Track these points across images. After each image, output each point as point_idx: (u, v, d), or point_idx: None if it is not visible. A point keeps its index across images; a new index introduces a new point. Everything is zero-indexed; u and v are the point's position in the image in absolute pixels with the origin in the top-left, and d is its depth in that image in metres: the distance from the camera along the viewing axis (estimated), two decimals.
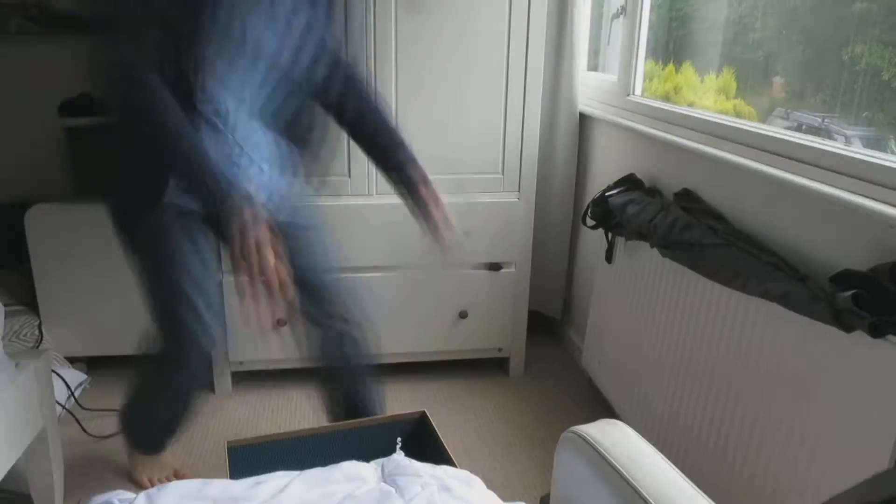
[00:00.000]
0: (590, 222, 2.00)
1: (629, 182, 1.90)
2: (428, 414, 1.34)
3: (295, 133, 1.44)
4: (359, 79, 1.47)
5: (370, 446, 1.31)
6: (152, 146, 1.23)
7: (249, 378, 2.24)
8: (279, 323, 1.72)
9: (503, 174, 2.13)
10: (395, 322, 2.14)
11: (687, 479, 0.87)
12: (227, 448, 1.20)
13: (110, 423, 1.99)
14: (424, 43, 1.98)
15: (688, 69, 1.99)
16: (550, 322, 2.66)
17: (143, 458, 1.73)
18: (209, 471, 1.81)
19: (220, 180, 1.16)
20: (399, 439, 1.20)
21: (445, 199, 1.41)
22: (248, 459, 1.23)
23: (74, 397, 2.05)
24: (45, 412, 1.54)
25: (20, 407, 1.44)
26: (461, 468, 1.10)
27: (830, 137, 1.42)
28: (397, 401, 2.10)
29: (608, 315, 2.00)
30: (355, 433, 1.30)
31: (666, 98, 2.06)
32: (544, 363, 2.42)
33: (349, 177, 2.06)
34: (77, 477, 1.75)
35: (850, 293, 1.05)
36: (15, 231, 2.24)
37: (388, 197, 1.77)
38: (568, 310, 2.56)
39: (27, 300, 2.23)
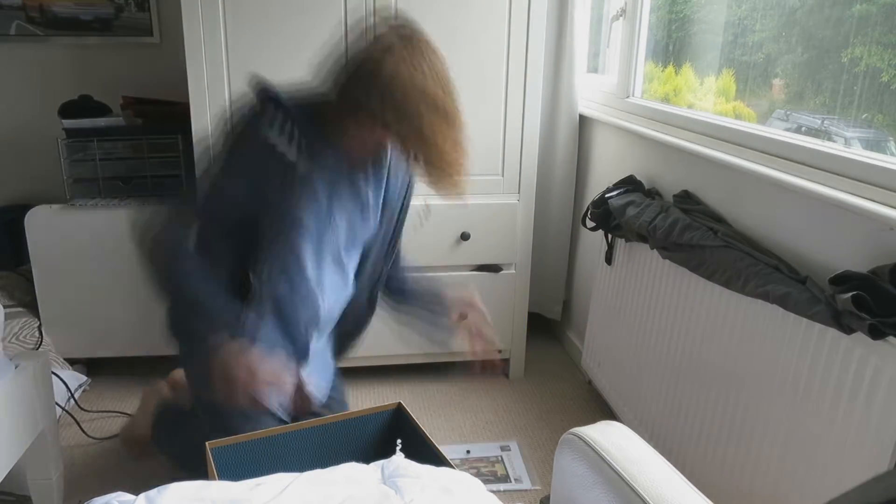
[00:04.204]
0: (589, 224, 2.00)
1: (629, 183, 1.90)
2: (404, 405, 1.35)
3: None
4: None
5: (347, 440, 1.33)
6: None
7: None
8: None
9: (503, 176, 2.13)
10: (395, 324, 2.14)
11: (686, 481, 0.87)
12: (209, 449, 1.20)
13: (110, 425, 1.99)
14: None
15: (687, 71, 1.99)
16: (550, 324, 2.66)
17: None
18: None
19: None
20: (399, 441, 1.20)
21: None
22: (232, 459, 1.23)
23: (74, 399, 2.04)
24: (45, 414, 1.54)
25: (20, 409, 1.44)
26: (461, 470, 1.10)
27: (830, 139, 1.42)
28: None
29: (608, 317, 2.00)
30: (331, 428, 1.31)
31: (665, 100, 2.06)
32: (544, 365, 2.42)
33: None
34: (76, 479, 1.75)
35: (849, 295, 1.05)
36: (15, 233, 2.24)
37: None
38: (568, 311, 2.56)
39: (27, 302, 2.23)
